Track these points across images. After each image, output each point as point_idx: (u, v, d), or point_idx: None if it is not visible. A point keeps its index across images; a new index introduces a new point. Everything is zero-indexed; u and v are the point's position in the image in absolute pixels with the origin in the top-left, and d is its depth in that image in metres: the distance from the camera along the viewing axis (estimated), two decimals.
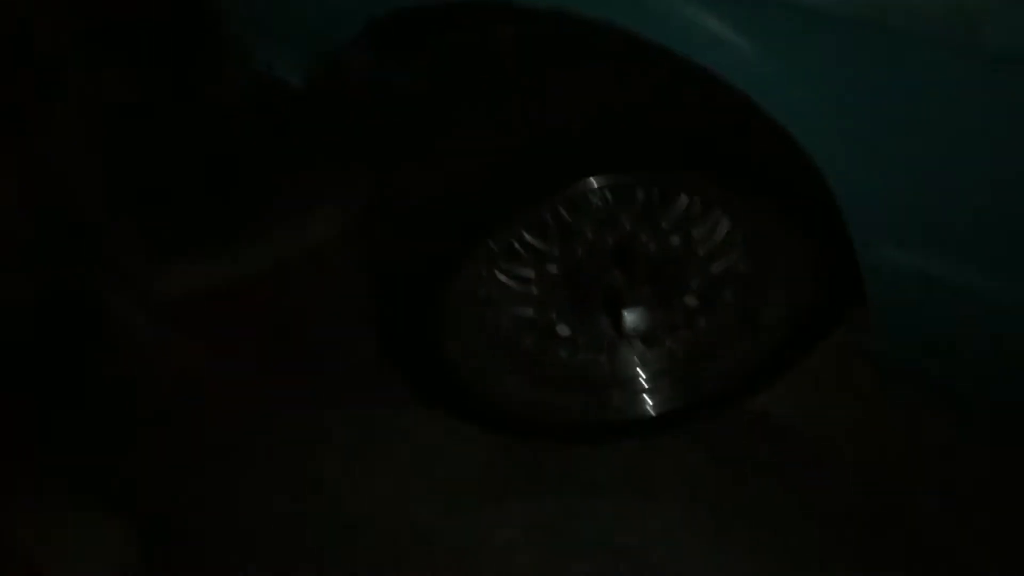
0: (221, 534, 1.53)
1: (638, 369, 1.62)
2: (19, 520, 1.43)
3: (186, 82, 1.78)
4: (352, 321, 1.63)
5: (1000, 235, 1.15)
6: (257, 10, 1.44)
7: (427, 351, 1.45)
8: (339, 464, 1.64)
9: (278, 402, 1.70)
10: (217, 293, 1.85)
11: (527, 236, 1.38)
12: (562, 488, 1.64)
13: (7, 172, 1.60)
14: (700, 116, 1.17)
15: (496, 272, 1.43)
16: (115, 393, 1.72)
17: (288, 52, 1.43)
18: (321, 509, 1.58)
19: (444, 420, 1.64)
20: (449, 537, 1.56)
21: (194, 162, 1.93)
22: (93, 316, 1.76)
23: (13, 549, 1.37)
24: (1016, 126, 1.04)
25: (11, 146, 1.61)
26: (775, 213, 1.32)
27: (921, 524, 1.63)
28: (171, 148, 1.90)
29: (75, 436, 1.65)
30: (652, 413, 1.62)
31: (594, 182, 1.27)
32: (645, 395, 1.62)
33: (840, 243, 1.23)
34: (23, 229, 1.63)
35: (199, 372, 1.75)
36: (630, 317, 1.55)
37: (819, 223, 1.26)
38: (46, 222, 1.66)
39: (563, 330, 1.54)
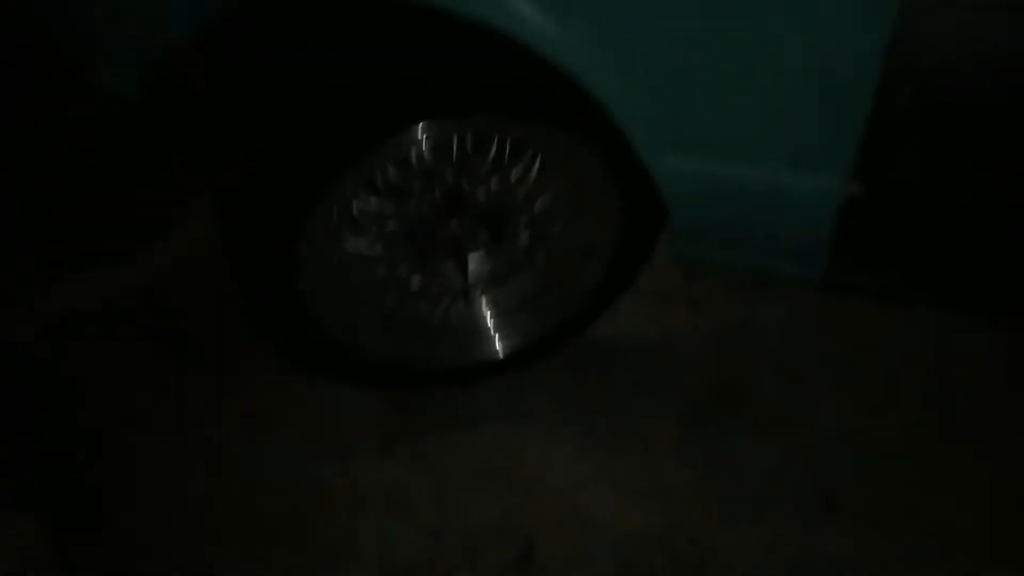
0: (129, 520, 1.64)
1: (491, 312, 1.79)
2: None
3: (39, 107, 1.90)
4: (224, 315, 1.78)
5: (747, 127, 1.36)
6: (88, 28, 1.57)
7: (295, 319, 1.59)
8: (238, 437, 1.77)
9: (169, 398, 1.82)
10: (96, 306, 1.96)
11: (360, 202, 1.54)
12: (442, 427, 1.80)
13: None
14: (485, 63, 1.35)
15: (342, 238, 1.58)
16: (16, 402, 1.81)
17: (120, 65, 1.56)
18: (226, 488, 1.71)
19: (326, 385, 1.80)
20: (344, 488, 1.70)
21: (57, 181, 2.04)
22: None
23: None
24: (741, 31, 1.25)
25: None
26: (572, 144, 1.50)
27: (762, 399, 1.86)
28: (32, 169, 2.01)
29: None
30: (510, 351, 1.79)
31: (411, 135, 1.43)
32: (500, 335, 1.79)
33: (634, 161, 1.43)
34: None
35: (92, 379, 1.86)
36: (473, 262, 1.72)
37: (610, 146, 1.45)
38: None
39: (415, 282, 1.70)
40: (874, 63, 1.26)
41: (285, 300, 1.56)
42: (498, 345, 1.80)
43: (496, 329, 1.80)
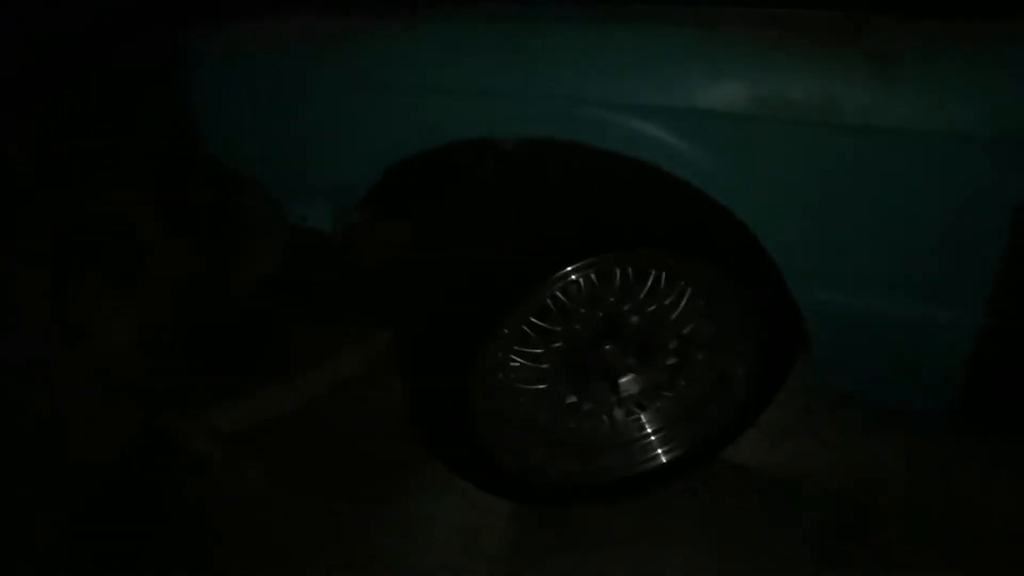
0: None
1: (636, 429, 1.93)
2: None
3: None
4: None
5: (890, 265, 1.53)
6: (288, 174, 1.85)
7: (463, 436, 1.77)
8: (396, 544, 1.92)
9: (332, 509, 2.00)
10: (267, 426, 2.17)
11: (533, 320, 1.74)
12: (582, 546, 1.92)
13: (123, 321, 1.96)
14: (652, 203, 1.56)
15: (511, 355, 1.77)
16: (195, 515, 2.00)
17: (317, 206, 1.82)
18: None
19: (479, 498, 1.95)
20: None
21: (244, 316, 2.30)
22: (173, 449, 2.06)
23: None
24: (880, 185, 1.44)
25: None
26: (725, 277, 1.69)
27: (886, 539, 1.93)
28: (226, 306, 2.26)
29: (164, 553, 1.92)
30: (651, 468, 1.92)
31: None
32: (644, 453, 1.93)
33: (780, 294, 1.60)
34: (130, 369, 1.96)
35: (262, 492, 2.05)
36: (624, 381, 1.88)
37: (760, 279, 1.63)
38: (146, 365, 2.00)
39: (571, 399, 1.86)
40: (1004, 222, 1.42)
41: (458, 425, 1.74)
42: (637, 464, 1.94)
43: (636, 448, 1.94)
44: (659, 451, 1.93)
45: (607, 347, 1.82)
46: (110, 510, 1.93)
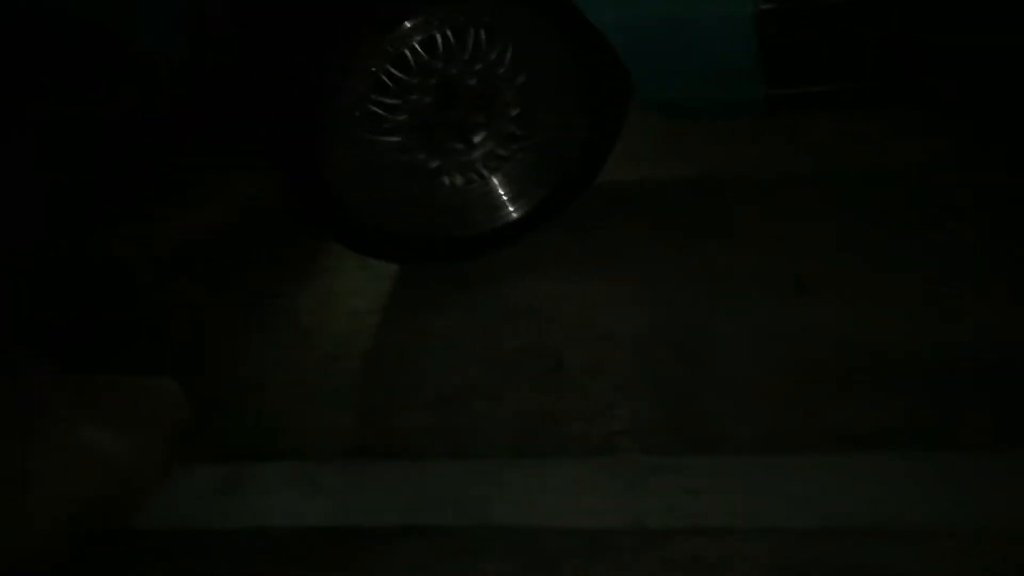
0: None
1: (502, 181, 2.14)
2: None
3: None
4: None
5: None
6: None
7: (323, 193, 1.98)
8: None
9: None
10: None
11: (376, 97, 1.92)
12: (476, 284, 2.17)
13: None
14: None
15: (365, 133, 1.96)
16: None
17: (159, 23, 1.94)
18: (295, 344, 2.10)
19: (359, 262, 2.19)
20: (399, 337, 2.09)
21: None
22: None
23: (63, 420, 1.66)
24: None
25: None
26: (535, 23, 1.85)
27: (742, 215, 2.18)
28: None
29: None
30: (524, 212, 2.14)
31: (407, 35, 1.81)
32: (513, 200, 2.15)
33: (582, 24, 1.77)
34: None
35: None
36: (478, 139, 2.08)
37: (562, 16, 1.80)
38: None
39: (434, 163, 2.06)
40: None
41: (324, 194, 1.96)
42: (512, 209, 2.15)
43: (509, 195, 2.15)
44: (528, 195, 2.15)
45: (451, 110, 2.00)
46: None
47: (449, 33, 1.86)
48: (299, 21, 1.80)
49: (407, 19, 1.78)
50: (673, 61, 1.86)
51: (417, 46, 1.87)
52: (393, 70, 1.88)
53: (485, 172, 2.13)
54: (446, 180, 2.11)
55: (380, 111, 1.93)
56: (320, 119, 1.85)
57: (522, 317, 2.07)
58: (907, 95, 1.95)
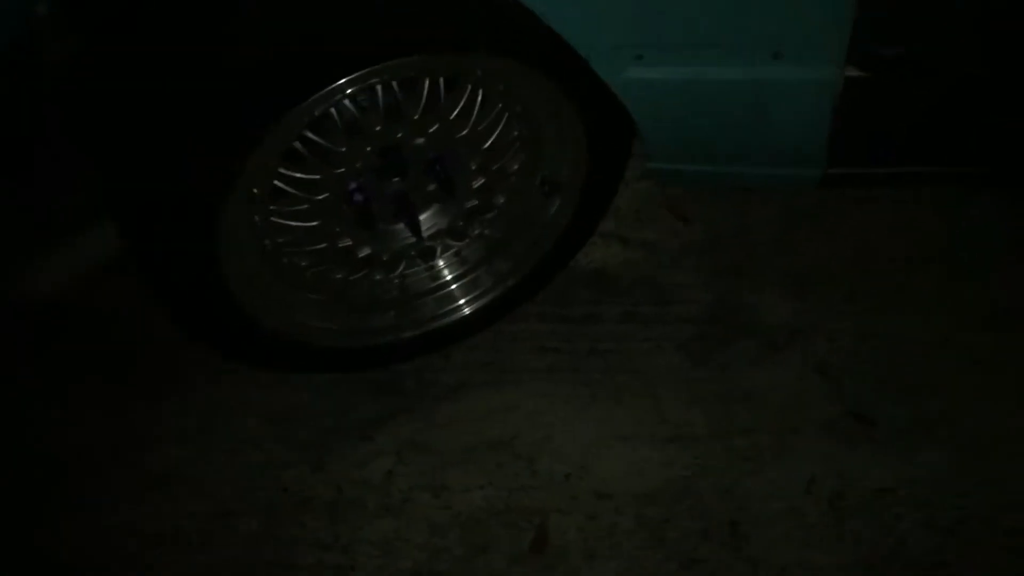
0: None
1: (454, 267, 1.59)
2: None
3: None
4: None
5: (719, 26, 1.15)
6: None
7: (232, 318, 1.39)
8: (194, 449, 1.58)
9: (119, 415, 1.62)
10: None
11: (284, 171, 1.32)
12: (423, 404, 1.61)
13: None
14: None
15: (269, 217, 1.36)
16: None
17: None
18: (186, 494, 1.52)
19: (279, 381, 1.61)
20: (324, 491, 1.52)
21: None
22: None
23: None
24: None
25: None
26: (517, 70, 1.28)
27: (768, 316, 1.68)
28: None
29: None
30: (482, 305, 1.59)
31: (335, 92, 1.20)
32: (468, 291, 1.60)
33: (589, 79, 1.22)
34: None
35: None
36: (426, 217, 1.51)
37: (560, 64, 1.24)
38: None
39: (364, 251, 1.48)
40: None
41: (217, 302, 1.35)
42: (466, 301, 1.60)
43: (463, 285, 1.60)
44: (487, 284, 1.60)
45: (395, 180, 1.42)
46: None
47: (395, 85, 1.27)
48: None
49: (340, 79, 1.17)
50: (710, 132, 1.35)
51: (348, 103, 1.28)
52: (311, 135, 1.28)
53: (432, 257, 1.57)
54: (378, 274, 1.53)
55: (291, 188, 1.34)
56: (201, 199, 1.23)
57: (492, 458, 1.54)
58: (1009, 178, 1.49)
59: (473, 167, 1.44)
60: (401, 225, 1.49)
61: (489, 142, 1.42)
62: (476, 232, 1.56)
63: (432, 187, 1.46)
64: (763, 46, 1.20)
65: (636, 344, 1.66)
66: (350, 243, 1.46)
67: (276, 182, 1.32)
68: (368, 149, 1.33)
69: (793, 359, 1.62)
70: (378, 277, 1.54)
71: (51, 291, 1.74)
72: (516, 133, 1.43)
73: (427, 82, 1.29)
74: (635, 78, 1.23)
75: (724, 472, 1.49)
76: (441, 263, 1.58)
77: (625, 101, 1.27)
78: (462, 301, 1.60)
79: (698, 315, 1.69)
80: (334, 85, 1.18)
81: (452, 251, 1.57)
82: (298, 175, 1.33)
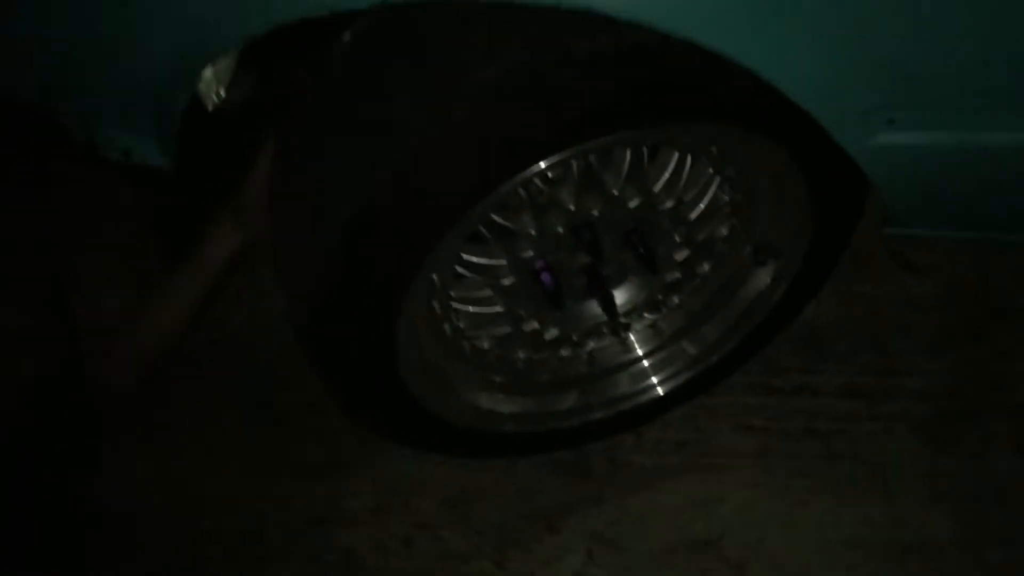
0: None
1: (652, 341, 1.40)
2: None
3: None
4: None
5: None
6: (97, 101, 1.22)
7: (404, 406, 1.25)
8: (368, 534, 1.47)
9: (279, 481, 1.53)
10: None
11: (466, 256, 1.17)
12: (615, 488, 1.44)
13: None
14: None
15: (451, 303, 1.22)
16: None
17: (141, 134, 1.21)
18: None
19: (461, 464, 1.47)
20: None
21: None
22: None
23: None
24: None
25: None
26: (741, 133, 1.07)
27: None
28: None
29: None
30: (679, 383, 1.41)
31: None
32: (662, 367, 1.41)
33: (823, 141, 1.00)
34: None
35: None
36: (621, 293, 1.33)
37: (786, 128, 1.03)
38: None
39: (551, 333, 1.32)
40: None
41: (390, 388, 1.22)
42: (657, 379, 1.42)
43: (656, 361, 1.42)
44: (683, 360, 1.40)
45: (580, 256, 1.25)
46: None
47: (593, 159, 1.10)
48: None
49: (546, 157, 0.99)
50: (970, 199, 1.10)
51: (537, 180, 1.11)
52: (497, 218, 1.13)
53: (622, 332, 1.39)
54: (565, 351, 1.37)
55: (471, 273, 1.19)
56: (383, 289, 1.08)
57: (698, 561, 1.35)
58: None
59: (677, 239, 1.25)
60: (592, 303, 1.32)
61: (696, 212, 1.22)
62: (677, 302, 1.37)
63: (628, 259, 1.28)
64: None
65: (861, 424, 1.44)
66: (537, 326, 1.30)
67: (457, 267, 1.18)
68: (558, 228, 1.16)
69: None
70: (565, 354, 1.37)
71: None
72: (727, 199, 1.23)
73: (628, 151, 1.11)
74: (885, 144, 1.01)
75: None
76: (628, 336, 1.40)
77: (866, 168, 1.05)
78: (652, 379, 1.41)
79: (935, 389, 1.45)
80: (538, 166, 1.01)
81: (643, 324, 1.39)
82: (481, 260, 1.18)
